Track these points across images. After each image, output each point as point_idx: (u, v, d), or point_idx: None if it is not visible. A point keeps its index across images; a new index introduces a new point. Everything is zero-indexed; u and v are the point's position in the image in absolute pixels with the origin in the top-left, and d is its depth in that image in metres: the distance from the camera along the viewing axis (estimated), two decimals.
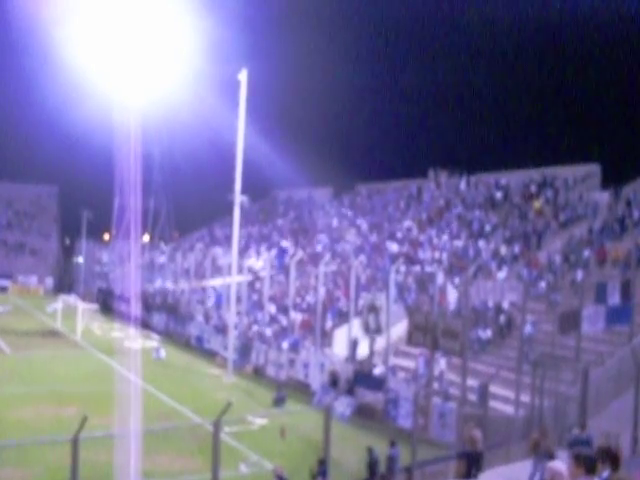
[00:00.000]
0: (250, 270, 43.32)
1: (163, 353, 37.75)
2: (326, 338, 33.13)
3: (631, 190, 36.32)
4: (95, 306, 55.80)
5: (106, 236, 78.02)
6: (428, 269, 35.20)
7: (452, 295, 30.89)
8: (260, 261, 45.94)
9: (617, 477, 6.35)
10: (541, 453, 15.47)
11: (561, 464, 6.88)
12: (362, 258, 41.20)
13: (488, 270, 33.68)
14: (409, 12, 72.66)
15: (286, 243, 51.87)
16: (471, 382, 23.95)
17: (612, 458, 6.42)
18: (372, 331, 30.26)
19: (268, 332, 36.57)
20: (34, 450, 18.30)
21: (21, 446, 18.01)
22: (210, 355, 38.19)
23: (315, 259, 42.16)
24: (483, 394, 21.90)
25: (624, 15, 56.02)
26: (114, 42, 31.37)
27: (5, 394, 27.15)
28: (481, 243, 37.37)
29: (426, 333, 28.34)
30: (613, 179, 38.77)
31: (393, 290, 30.61)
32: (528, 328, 26.24)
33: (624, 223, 33.30)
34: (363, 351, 31.39)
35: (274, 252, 49.98)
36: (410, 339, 32.00)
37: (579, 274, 29.68)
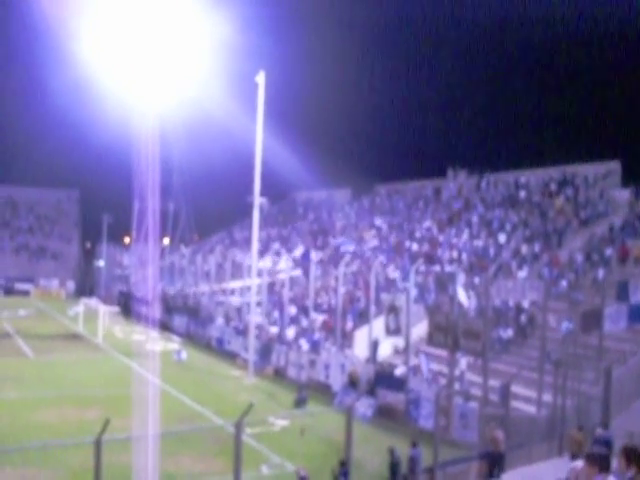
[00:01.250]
0: (270, 272, 43.40)
1: (184, 355, 37.91)
2: (347, 339, 33.11)
3: None
4: (116, 309, 56.13)
5: (127, 239, 78.51)
6: (448, 269, 35.09)
7: (462, 296, 30.68)
8: (282, 262, 45.99)
9: None
10: (581, 451, 15.38)
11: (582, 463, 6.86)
12: (382, 258, 41.14)
13: (509, 269, 33.51)
14: (427, 13, 72.52)
15: (301, 248, 51.85)
16: (493, 382, 23.82)
17: (638, 458, 6.35)
18: (392, 332, 30.18)
19: (289, 333, 36.61)
20: (58, 452, 18.43)
21: (45, 448, 18.15)
22: (231, 357, 38.29)
23: (335, 260, 42.17)
24: (505, 394, 21.79)
25: None
26: (132, 46, 31.53)
27: (29, 397, 27.41)
28: (501, 242, 37.20)
29: (447, 333, 28.19)
30: (634, 176, 38.45)
31: (413, 290, 30.53)
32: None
33: None
34: (384, 352, 31.35)
35: (294, 253, 50.06)
36: (431, 339, 31.86)
37: (600, 272, 29.45)
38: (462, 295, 30.16)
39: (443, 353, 28.47)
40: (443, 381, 26.42)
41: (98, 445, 12.13)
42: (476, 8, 71.51)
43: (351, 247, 46.04)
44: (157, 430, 17.20)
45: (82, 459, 15.42)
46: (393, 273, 38.56)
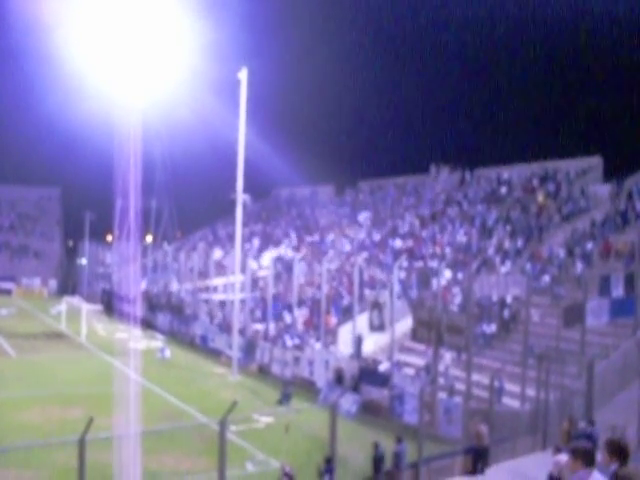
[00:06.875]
0: (253, 269, 43.31)
1: (168, 353, 37.77)
2: (330, 335, 33.12)
3: (633, 182, 36.30)
4: (99, 307, 55.82)
5: (109, 237, 78.02)
6: (431, 264, 35.18)
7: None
8: (265, 259, 45.87)
9: (626, 470, 6.32)
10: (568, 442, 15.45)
11: (567, 457, 6.89)
12: (365, 255, 41.18)
13: (492, 264, 33.65)
14: (409, 10, 72.64)
15: (284, 247, 51.78)
16: (476, 377, 23.92)
17: (621, 451, 6.38)
18: (376, 328, 30.24)
19: (272, 330, 36.56)
20: (41, 452, 18.31)
21: (28, 448, 18.03)
22: (215, 354, 38.19)
23: (318, 256, 42.16)
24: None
25: (624, 7, 55.92)
26: (113, 43, 31.37)
27: (11, 396, 27.19)
28: (484, 238, 37.33)
29: (430, 329, 28.29)
30: (615, 172, 38.75)
31: (397, 286, 30.58)
32: None
33: (626, 216, 33.27)
34: (368, 348, 31.40)
35: (277, 251, 49.99)
36: (415, 335, 31.98)
37: (582, 267, 29.64)
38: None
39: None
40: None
41: (82, 444, 12.05)
42: (458, 7, 71.71)
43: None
44: (141, 428, 17.14)
45: (66, 458, 15.31)
46: (376, 269, 38.60)
